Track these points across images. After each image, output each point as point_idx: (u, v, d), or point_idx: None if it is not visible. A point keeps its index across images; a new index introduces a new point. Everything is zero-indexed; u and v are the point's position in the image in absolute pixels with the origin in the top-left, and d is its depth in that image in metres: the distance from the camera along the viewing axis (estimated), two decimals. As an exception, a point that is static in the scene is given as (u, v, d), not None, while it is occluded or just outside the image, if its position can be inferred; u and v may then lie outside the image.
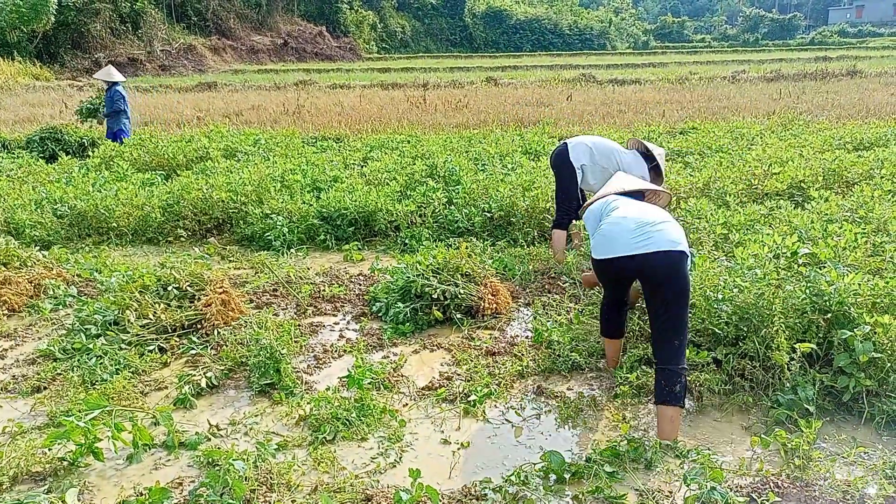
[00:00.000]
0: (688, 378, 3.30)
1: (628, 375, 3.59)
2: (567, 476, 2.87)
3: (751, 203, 6.00)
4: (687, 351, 3.29)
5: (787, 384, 3.34)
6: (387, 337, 4.39)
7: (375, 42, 49.39)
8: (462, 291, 4.56)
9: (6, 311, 4.85)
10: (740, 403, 3.41)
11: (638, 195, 3.75)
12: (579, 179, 5.32)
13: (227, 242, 6.61)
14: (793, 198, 6.39)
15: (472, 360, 4.00)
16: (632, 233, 3.25)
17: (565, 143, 5.45)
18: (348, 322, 4.71)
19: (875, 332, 3.26)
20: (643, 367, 3.70)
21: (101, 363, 3.90)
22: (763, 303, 3.48)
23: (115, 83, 10.51)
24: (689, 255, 3.23)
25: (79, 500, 2.81)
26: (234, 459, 2.80)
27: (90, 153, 9.77)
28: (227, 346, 4.11)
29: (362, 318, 4.72)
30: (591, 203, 3.76)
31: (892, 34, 55.44)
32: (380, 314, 4.71)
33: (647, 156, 5.31)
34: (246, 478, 2.75)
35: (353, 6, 48.31)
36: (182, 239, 6.66)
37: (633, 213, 3.38)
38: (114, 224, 6.74)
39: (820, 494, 2.72)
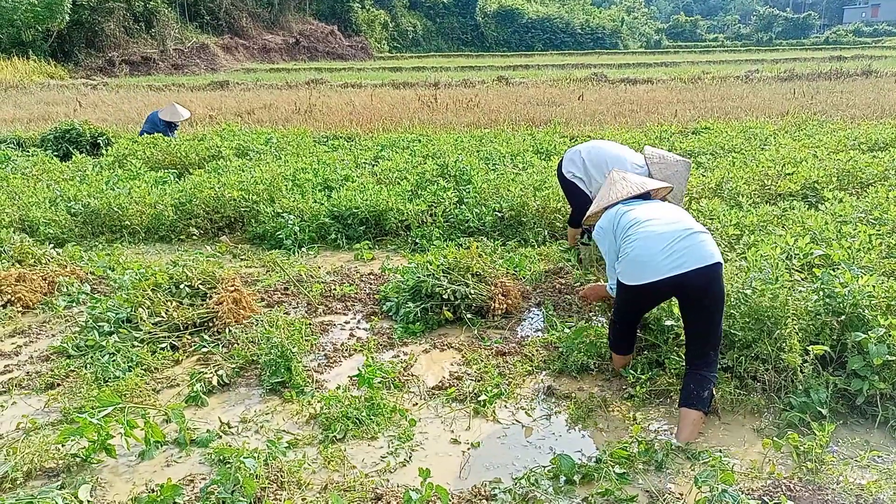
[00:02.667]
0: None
1: (641, 376, 3.58)
2: (577, 478, 2.86)
3: (764, 204, 5.95)
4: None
5: (800, 387, 3.31)
6: (397, 336, 4.40)
7: (387, 41, 49.48)
8: (472, 291, 4.56)
9: (21, 308, 4.90)
10: (752, 406, 3.38)
11: (646, 194, 3.65)
12: (584, 189, 5.11)
13: (239, 241, 6.64)
14: (806, 199, 6.34)
15: (482, 360, 4.00)
16: (662, 253, 3.14)
17: (564, 154, 5.34)
18: (359, 321, 4.72)
19: (889, 335, 3.22)
20: (654, 368, 3.69)
21: (114, 360, 3.93)
22: (776, 304, 3.46)
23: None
24: (722, 263, 3.18)
25: (91, 497, 2.83)
26: (244, 457, 2.81)
27: (104, 151, 9.84)
28: (238, 344, 4.13)
29: (373, 317, 4.73)
30: (594, 215, 3.69)
31: (907, 33, 54.87)
32: (390, 313, 4.72)
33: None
34: (257, 475, 2.77)
35: (364, 5, 48.41)
36: (194, 237, 6.70)
37: (659, 227, 3.25)
38: (127, 222, 6.79)
39: (832, 498, 2.70)
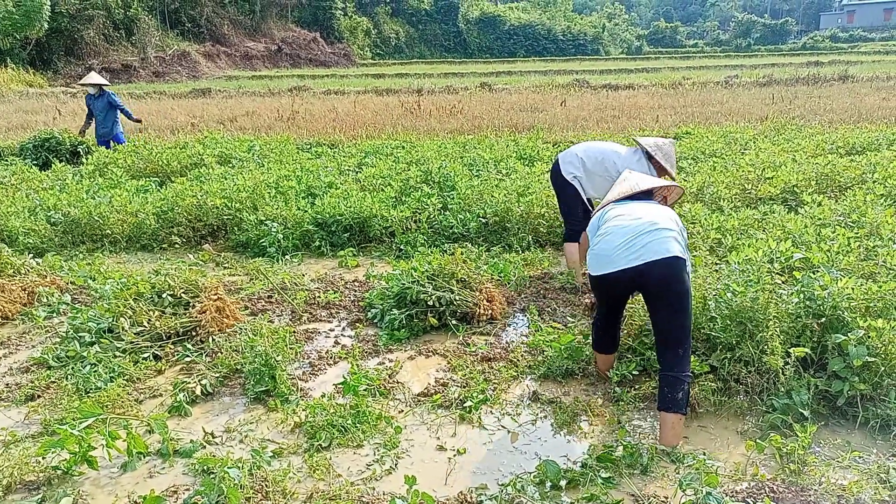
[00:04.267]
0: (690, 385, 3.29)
1: (625, 372, 3.61)
2: (563, 483, 2.87)
3: (744, 208, 6.02)
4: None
5: (782, 389, 3.35)
6: (382, 343, 4.38)
7: (370, 48, 49.54)
8: (457, 298, 4.56)
9: (0, 319, 4.83)
10: (735, 408, 3.41)
11: (647, 194, 3.64)
12: (580, 191, 5.14)
13: (222, 249, 6.60)
14: (786, 202, 6.42)
15: (467, 367, 4.00)
16: (619, 248, 3.22)
17: (558, 158, 5.28)
18: (343, 328, 4.70)
19: (869, 336, 3.27)
20: (638, 368, 3.71)
21: (96, 371, 3.89)
22: (758, 307, 3.49)
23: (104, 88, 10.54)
24: (684, 259, 3.20)
25: (73, 510, 2.79)
26: (229, 467, 2.79)
27: (84, 160, 9.75)
28: (221, 353, 4.10)
29: (357, 324, 4.72)
30: (596, 211, 3.73)
31: (883, 39, 55.88)
32: (375, 320, 4.71)
33: (649, 154, 4.87)
34: (241, 485, 2.74)
35: (347, 12, 48.46)
36: (176, 246, 6.64)
37: (625, 223, 3.32)
38: (108, 231, 6.72)
39: (815, 499, 2.73)
